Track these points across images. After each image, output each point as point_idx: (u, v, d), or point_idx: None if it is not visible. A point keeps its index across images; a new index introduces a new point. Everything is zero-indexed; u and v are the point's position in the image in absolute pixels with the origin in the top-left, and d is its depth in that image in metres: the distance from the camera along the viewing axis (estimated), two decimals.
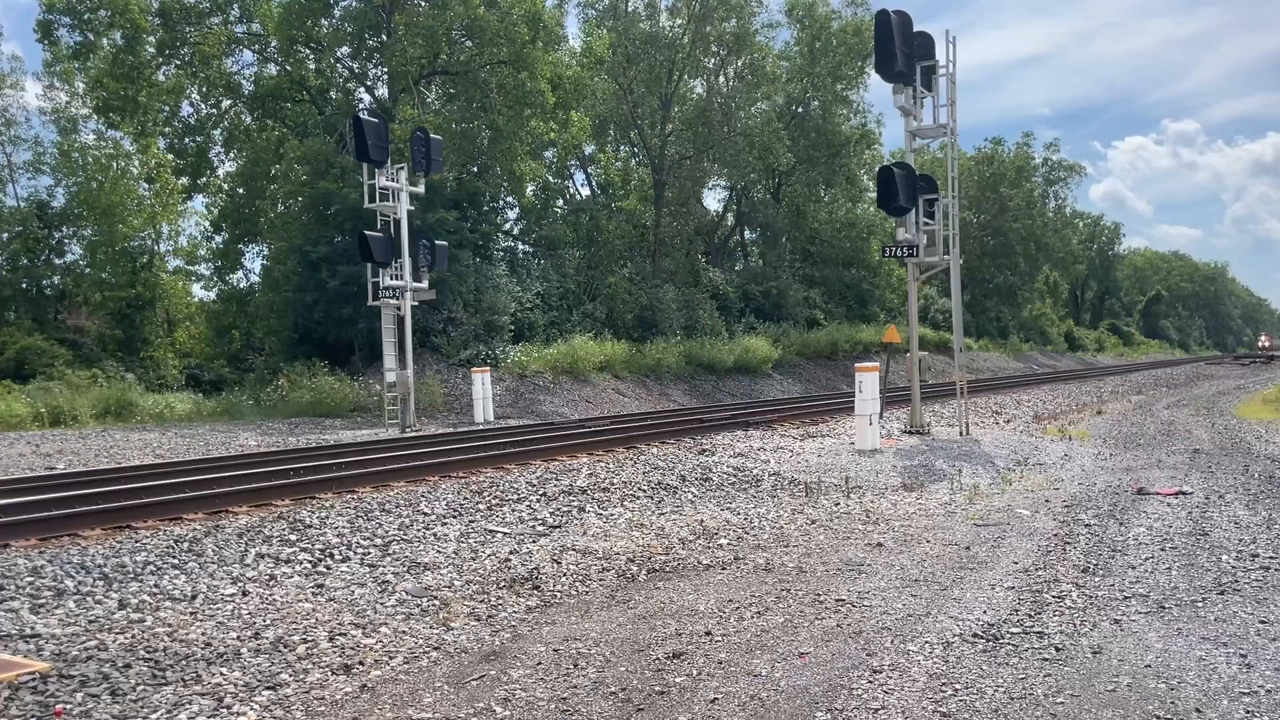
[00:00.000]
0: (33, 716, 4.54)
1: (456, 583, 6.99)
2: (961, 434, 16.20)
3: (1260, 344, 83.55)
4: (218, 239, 35.41)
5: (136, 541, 7.86)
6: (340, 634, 5.77)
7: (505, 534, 8.68)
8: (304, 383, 24.86)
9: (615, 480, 11.22)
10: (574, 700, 4.70)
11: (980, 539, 8.31)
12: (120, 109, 29.61)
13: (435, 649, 5.56)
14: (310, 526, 8.49)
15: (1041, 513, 9.55)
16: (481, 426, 20.44)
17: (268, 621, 5.99)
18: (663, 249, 38.76)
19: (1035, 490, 11.08)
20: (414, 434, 18.75)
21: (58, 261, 33.38)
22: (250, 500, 9.73)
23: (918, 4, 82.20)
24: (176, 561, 7.33)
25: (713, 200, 49.55)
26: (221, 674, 5.09)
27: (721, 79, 42.12)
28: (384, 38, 29.52)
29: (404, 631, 5.88)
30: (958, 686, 4.74)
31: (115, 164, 33.43)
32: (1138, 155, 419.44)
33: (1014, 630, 5.63)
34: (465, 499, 9.91)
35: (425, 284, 20.85)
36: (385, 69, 30.65)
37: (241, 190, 33.64)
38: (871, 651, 5.30)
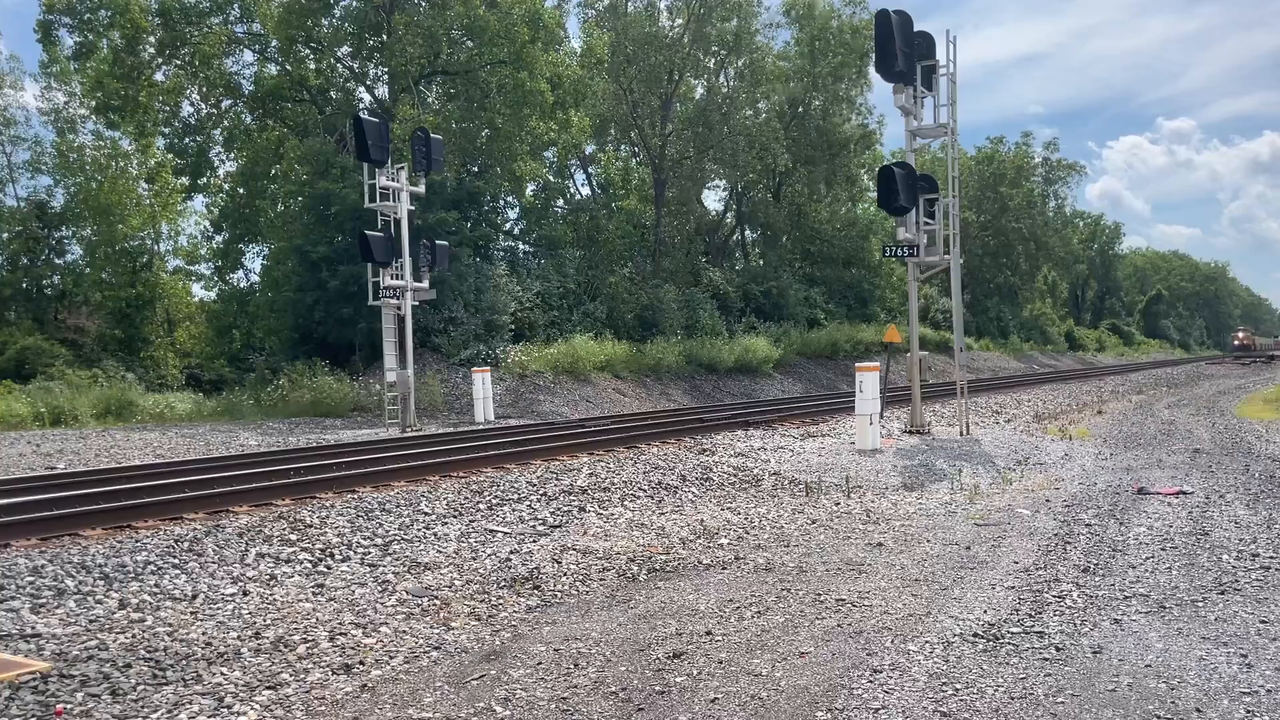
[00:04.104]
0: (33, 716, 4.54)
1: (457, 582, 6.99)
2: (962, 434, 16.20)
3: (1237, 340, 78.12)
4: (218, 239, 35.45)
5: (137, 541, 7.86)
6: (341, 634, 5.77)
7: (506, 534, 8.68)
8: (304, 382, 24.88)
9: (615, 480, 11.22)
10: (574, 700, 4.70)
11: (980, 539, 8.31)
12: (120, 109, 29.62)
13: (436, 649, 5.56)
14: (311, 526, 8.49)
15: (1042, 512, 9.55)
16: (482, 426, 20.44)
17: (268, 621, 5.99)
18: (663, 249, 38.77)
19: (1035, 490, 11.07)
20: (414, 434, 18.75)
21: (58, 261, 33.48)
22: (251, 500, 9.73)
23: (915, 3, 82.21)
24: (177, 561, 7.33)
25: (713, 200, 49.61)
26: (222, 674, 5.09)
27: (721, 79, 42.13)
28: (384, 38, 29.52)
29: (404, 631, 5.88)
30: (958, 686, 4.74)
31: (114, 164, 33.48)
32: (1134, 154, 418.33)
33: (1014, 630, 5.63)
34: (465, 499, 9.91)
35: (425, 284, 20.86)
36: (385, 69, 30.66)
37: (241, 190, 33.66)
38: (872, 651, 5.29)
